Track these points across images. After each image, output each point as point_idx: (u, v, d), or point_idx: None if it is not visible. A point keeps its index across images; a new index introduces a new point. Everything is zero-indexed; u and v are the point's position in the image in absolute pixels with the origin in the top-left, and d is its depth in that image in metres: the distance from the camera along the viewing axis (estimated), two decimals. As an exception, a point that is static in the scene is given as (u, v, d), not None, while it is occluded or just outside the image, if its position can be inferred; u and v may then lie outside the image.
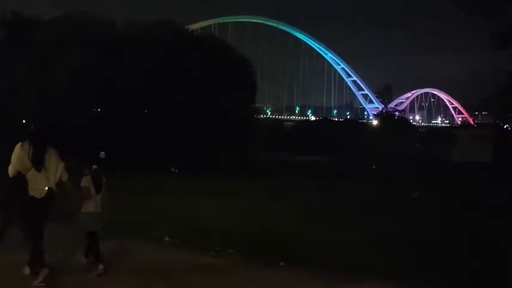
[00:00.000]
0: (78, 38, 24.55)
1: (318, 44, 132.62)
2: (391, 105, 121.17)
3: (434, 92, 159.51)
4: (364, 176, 24.73)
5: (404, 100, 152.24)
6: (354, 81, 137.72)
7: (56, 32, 24.49)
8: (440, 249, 7.99)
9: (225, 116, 26.59)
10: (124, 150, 21.39)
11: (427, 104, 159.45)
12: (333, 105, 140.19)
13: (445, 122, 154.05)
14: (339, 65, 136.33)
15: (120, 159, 18.86)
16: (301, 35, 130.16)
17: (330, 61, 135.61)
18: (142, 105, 24.28)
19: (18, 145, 6.00)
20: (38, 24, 26.57)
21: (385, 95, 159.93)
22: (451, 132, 63.65)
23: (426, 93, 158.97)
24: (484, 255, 7.59)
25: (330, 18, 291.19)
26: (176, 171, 23.59)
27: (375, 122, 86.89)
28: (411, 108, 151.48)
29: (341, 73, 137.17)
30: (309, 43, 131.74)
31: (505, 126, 59.67)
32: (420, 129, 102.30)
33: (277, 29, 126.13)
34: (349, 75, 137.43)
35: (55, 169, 6.11)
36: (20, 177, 5.92)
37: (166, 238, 8.33)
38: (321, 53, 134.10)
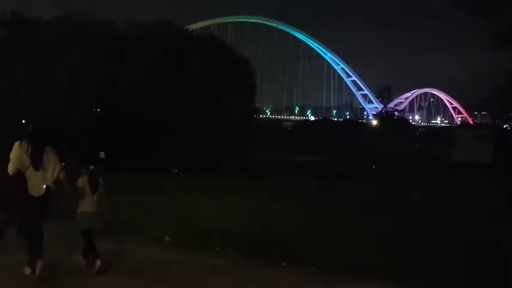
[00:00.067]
0: (78, 38, 24.55)
1: (318, 44, 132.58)
2: (391, 105, 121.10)
3: (434, 92, 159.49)
4: (364, 176, 24.74)
5: (403, 100, 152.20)
6: (354, 81, 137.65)
7: (56, 32, 24.50)
8: (440, 249, 7.99)
9: (225, 116, 26.59)
10: (124, 150, 21.41)
11: (426, 104, 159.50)
12: (332, 105, 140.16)
13: (445, 122, 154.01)
14: (339, 65, 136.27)
15: (120, 159, 18.89)
16: (301, 35, 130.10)
17: (330, 61, 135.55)
18: (142, 105, 24.24)
19: (17, 143, 6.05)
20: (38, 24, 26.58)
21: (384, 95, 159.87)
22: (450, 132, 63.70)
23: (426, 93, 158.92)
24: (484, 255, 7.59)
25: (330, 18, 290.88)
26: (176, 171, 23.60)
27: (374, 122, 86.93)
28: (410, 108, 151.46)
29: (340, 73, 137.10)
30: (309, 43, 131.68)
31: (504, 126, 59.67)
32: (420, 129, 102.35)
33: (276, 29, 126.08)
34: (348, 75, 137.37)
35: (53, 168, 6.16)
36: (20, 175, 5.96)
37: (167, 238, 8.33)
38: (321, 53, 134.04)
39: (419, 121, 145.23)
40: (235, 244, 7.87)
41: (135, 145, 23.06)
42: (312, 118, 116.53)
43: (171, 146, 24.69)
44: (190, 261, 7.16)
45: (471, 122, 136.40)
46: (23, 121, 20.76)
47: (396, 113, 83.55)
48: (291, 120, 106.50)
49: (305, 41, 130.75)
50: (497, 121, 64.71)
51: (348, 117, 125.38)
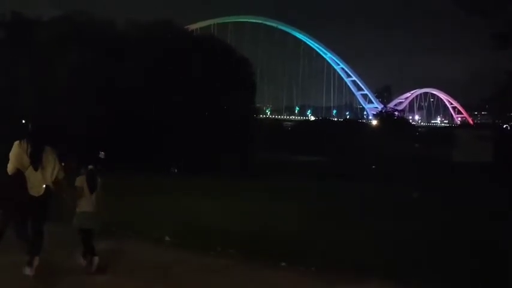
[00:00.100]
0: (78, 38, 24.54)
1: (318, 44, 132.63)
2: (391, 105, 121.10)
3: (434, 92, 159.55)
4: (364, 176, 24.72)
5: (403, 100, 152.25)
6: (354, 81, 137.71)
7: (56, 32, 24.49)
8: (440, 249, 7.99)
9: (225, 116, 26.58)
10: (124, 150, 21.40)
11: (426, 104, 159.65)
12: (332, 105, 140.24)
13: (445, 122, 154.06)
14: (339, 65, 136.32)
15: (120, 159, 18.88)
16: (301, 35, 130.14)
17: (330, 61, 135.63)
18: (142, 105, 24.23)
19: (16, 143, 6.08)
20: (38, 24, 26.57)
21: (384, 95, 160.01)
22: (450, 132, 63.63)
23: (425, 93, 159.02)
24: (484, 255, 7.59)
25: (330, 18, 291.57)
26: (176, 171, 23.58)
27: (374, 122, 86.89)
28: (410, 108, 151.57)
29: (340, 73, 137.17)
30: (309, 43, 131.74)
31: (504, 126, 59.64)
32: (420, 129, 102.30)
33: (276, 29, 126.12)
34: (348, 75, 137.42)
35: (52, 167, 6.18)
36: (19, 174, 5.97)
37: (167, 238, 8.33)
38: (321, 53, 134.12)
39: (419, 121, 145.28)
40: (235, 244, 7.87)
41: (135, 145, 23.05)
42: (312, 118, 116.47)
43: (171, 146, 24.68)
44: (190, 261, 7.16)
45: (471, 122, 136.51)
46: (23, 121, 20.75)
47: (396, 113, 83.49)
48: (291, 120, 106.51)
49: (305, 41, 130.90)
50: (497, 121, 64.75)
51: (348, 117, 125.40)
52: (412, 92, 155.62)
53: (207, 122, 25.69)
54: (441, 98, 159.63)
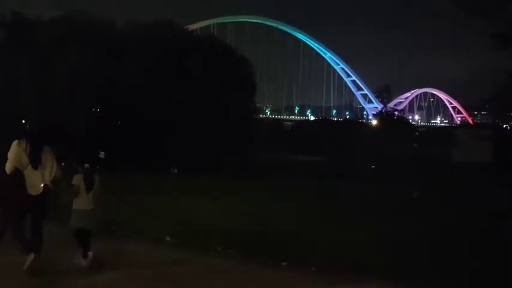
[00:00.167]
0: (78, 38, 24.56)
1: (317, 43, 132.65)
2: (391, 105, 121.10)
3: (434, 92, 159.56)
4: (364, 176, 24.72)
5: (403, 100, 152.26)
6: (353, 81, 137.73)
7: (56, 32, 24.51)
8: (440, 249, 7.99)
9: (225, 116, 26.58)
10: (124, 150, 21.44)
11: (426, 104, 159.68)
12: (332, 105, 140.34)
13: (444, 121, 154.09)
14: (338, 64, 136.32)
15: (120, 159, 18.93)
16: (301, 35, 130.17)
17: (329, 61, 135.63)
18: (142, 105, 24.24)
19: (15, 142, 6.10)
20: (38, 25, 26.59)
21: (384, 94, 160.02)
22: (450, 132, 63.68)
23: (425, 93, 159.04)
24: (484, 255, 7.59)
25: (330, 18, 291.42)
26: (175, 171, 23.57)
27: (374, 122, 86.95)
28: (410, 108, 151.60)
29: (340, 73, 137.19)
30: (308, 43, 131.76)
31: (504, 126, 59.66)
32: (419, 129, 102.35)
33: (276, 29, 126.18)
34: (348, 75, 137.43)
35: (51, 166, 6.21)
36: (18, 174, 6.00)
37: (168, 238, 8.33)
38: (320, 52, 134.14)
39: (419, 121, 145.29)
40: (235, 244, 7.87)
41: (135, 145, 23.06)
42: (312, 118, 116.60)
43: (171, 146, 24.69)
44: (191, 261, 7.16)
45: (471, 122, 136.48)
46: (23, 121, 20.74)
47: (396, 113, 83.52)
48: (290, 120, 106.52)
49: (305, 41, 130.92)
50: (497, 121, 64.75)
51: (347, 117, 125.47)
52: (412, 91, 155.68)
53: (207, 122, 25.69)
54: (441, 98, 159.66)
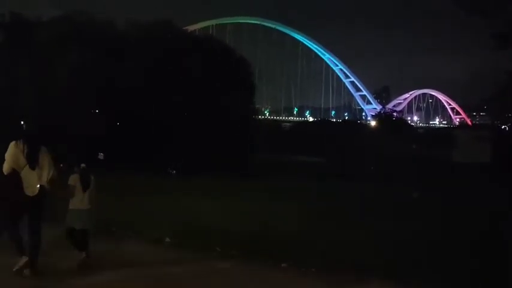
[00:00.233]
0: (78, 38, 24.50)
1: (316, 44, 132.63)
2: (389, 106, 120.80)
3: (432, 93, 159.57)
4: (364, 176, 24.73)
5: (402, 101, 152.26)
6: (352, 82, 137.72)
7: (56, 32, 24.45)
8: (440, 249, 8.00)
9: (225, 116, 26.53)
10: (124, 150, 21.40)
11: (425, 105, 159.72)
12: (331, 106, 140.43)
13: (443, 122, 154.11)
14: (337, 65, 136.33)
15: (120, 159, 18.89)
16: (299, 36, 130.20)
17: (328, 62, 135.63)
18: (142, 105, 24.21)
19: (13, 143, 6.14)
20: (37, 25, 26.54)
21: (383, 95, 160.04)
22: (449, 133, 63.72)
23: (424, 94, 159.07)
24: (484, 255, 7.60)
25: (330, 18, 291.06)
26: (174, 172, 23.52)
27: (373, 123, 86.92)
28: (409, 109, 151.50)
29: (339, 74, 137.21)
30: (307, 44, 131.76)
31: (502, 127, 59.65)
32: (418, 130, 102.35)
33: (274, 30, 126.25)
34: (347, 76, 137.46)
35: (48, 167, 6.23)
36: (15, 174, 6.02)
37: (167, 239, 8.32)
38: (319, 53, 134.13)
39: (418, 122, 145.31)
40: (236, 244, 7.87)
41: (135, 145, 23.02)
42: (311, 119, 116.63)
43: (171, 146, 24.66)
44: (191, 261, 7.17)
45: (469, 123, 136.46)
46: (22, 122, 20.74)
47: (395, 114, 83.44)
48: (289, 121, 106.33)
49: (303, 41, 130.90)
50: (496, 122, 64.70)
51: (346, 118, 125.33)
52: (410, 92, 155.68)
53: (207, 122, 25.66)
54: (439, 99, 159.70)
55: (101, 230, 7.99)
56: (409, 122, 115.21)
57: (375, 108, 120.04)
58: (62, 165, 6.89)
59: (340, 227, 9.41)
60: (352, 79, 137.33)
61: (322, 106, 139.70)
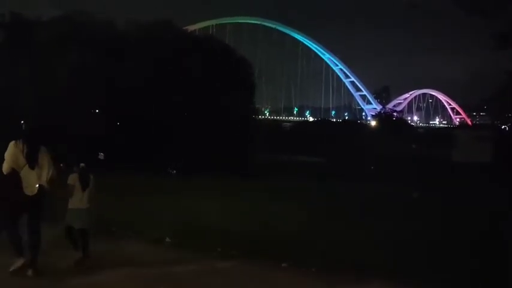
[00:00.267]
0: (78, 38, 24.51)
1: (316, 44, 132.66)
2: (389, 106, 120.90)
3: (432, 93, 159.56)
4: (364, 176, 24.73)
5: (402, 101, 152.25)
6: (352, 82, 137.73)
7: (56, 32, 24.46)
8: (440, 249, 8.00)
9: (225, 116, 26.53)
10: (124, 150, 21.41)
11: (425, 105, 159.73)
12: (331, 106, 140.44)
13: (443, 122, 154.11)
14: (337, 65, 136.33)
15: (120, 159, 18.89)
16: (299, 36, 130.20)
17: (328, 62, 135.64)
18: (142, 105, 24.22)
19: (12, 143, 6.17)
20: (37, 25, 26.54)
21: (383, 95, 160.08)
22: (449, 132, 63.72)
23: (424, 94, 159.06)
24: (484, 255, 7.60)
25: (330, 18, 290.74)
26: (174, 172, 23.52)
27: (373, 123, 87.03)
28: (409, 109, 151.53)
29: (339, 74, 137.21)
30: (307, 44, 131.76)
31: (502, 127, 59.68)
32: (418, 130, 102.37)
33: (274, 29, 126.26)
34: (347, 76, 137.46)
35: (47, 167, 6.25)
36: (15, 174, 6.04)
37: (168, 239, 8.32)
38: (319, 53, 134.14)
39: (418, 122, 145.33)
40: (236, 244, 7.87)
41: (135, 145, 23.03)
42: (311, 119, 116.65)
43: (171, 146, 24.66)
44: (191, 261, 7.17)
45: (469, 123, 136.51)
46: (22, 121, 20.74)
47: (395, 114, 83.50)
48: (289, 121, 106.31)
49: (303, 41, 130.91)
50: (496, 122, 64.78)
51: (346, 118, 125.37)
52: (410, 92, 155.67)
53: (207, 122, 25.66)
54: (440, 99, 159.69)
55: (101, 230, 7.99)
56: (409, 122, 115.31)
57: (375, 108, 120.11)
58: (62, 165, 6.90)
59: (340, 227, 9.41)
60: (352, 79, 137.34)
61: (322, 106, 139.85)
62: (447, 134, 62.40)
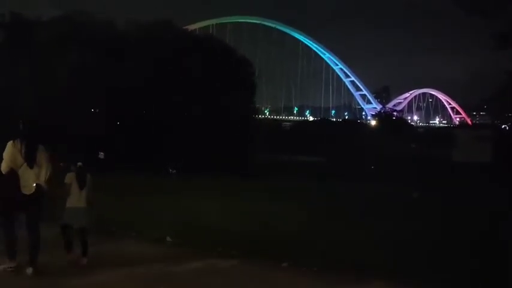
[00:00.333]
0: (78, 38, 24.54)
1: (316, 44, 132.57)
2: (389, 105, 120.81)
3: (432, 92, 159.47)
4: (364, 176, 24.73)
5: (402, 100, 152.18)
6: (352, 82, 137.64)
7: (56, 32, 24.49)
8: (440, 249, 7.99)
9: (225, 116, 26.56)
10: (124, 150, 21.43)
11: (425, 105, 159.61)
12: (331, 105, 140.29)
13: (443, 122, 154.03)
14: (337, 65, 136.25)
15: (120, 159, 18.92)
16: (299, 35, 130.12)
17: (328, 61, 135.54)
18: (142, 105, 24.26)
19: (10, 143, 6.20)
20: (37, 25, 26.56)
21: (383, 95, 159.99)
22: (449, 132, 63.73)
23: (424, 94, 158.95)
24: (484, 255, 7.60)
25: (330, 18, 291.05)
26: (174, 171, 23.54)
27: (373, 123, 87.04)
28: (409, 108, 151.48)
29: (339, 73, 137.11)
30: (307, 43, 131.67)
31: (502, 127, 59.66)
32: (418, 130, 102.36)
33: (274, 29, 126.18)
34: (347, 76, 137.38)
35: (45, 166, 6.27)
36: (13, 173, 6.05)
37: (168, 239, 8.32)
38: (319, 53, 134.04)
39: (418, 121, 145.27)
40: (236, 244, 7.87)
41: (135, 145, 23.05)
42: (311, 118, 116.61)
43: (171, 146, 24.68)
44: (191, 261, 7.16)
45: (469, 123, 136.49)
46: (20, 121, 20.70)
47: (395, 113, 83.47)
48: (289, 121, 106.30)
49: (303, 41, 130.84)
50: (496, 121, 64.77)
51: (346, 117, 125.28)
52: (410, 92, 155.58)
53: (207, 122, 25.68)
54: (440, 99, 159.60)
55: (101, 230, 8.00)
56: (409, 121, 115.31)
57: (375, 108, 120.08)
58: (61, 164, 6.91)
59: (340, 227, 9.40)
60: (352, 78, 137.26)
61: (322, 105, 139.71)
62: (447, 133, 62.42)
